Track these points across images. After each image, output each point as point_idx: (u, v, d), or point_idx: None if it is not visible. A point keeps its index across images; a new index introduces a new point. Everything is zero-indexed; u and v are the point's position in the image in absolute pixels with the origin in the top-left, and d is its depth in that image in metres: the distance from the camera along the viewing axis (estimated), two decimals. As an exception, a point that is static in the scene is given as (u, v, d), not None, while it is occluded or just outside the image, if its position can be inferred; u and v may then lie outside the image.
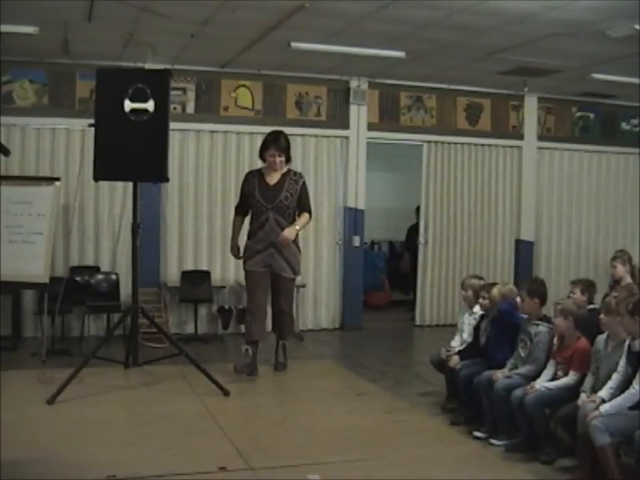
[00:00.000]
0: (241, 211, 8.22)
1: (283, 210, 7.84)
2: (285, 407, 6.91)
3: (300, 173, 8.22)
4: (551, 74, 10.51)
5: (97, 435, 5.91)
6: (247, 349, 7.84)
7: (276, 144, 7.88)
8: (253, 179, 8.00)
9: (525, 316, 6.21)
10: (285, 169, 8.01)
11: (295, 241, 7.96)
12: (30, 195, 9.02)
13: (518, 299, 6.41)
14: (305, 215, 8.02)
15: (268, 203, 7.84)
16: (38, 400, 6.76)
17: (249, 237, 8.02)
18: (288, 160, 8.03)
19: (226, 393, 7.13)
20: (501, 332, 6.33)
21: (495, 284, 6.77)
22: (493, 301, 6.42)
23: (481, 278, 7.33)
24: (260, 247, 7.87)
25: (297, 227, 7.88)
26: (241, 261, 8.79)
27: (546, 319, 6.06)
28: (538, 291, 6.18)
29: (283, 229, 7.76)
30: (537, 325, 6.01)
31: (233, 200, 10.83)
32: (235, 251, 8.25)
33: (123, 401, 6.96)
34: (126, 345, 8.09)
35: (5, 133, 9.92)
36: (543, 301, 6.16)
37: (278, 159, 7.88)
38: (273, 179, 7.94)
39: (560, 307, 5.78)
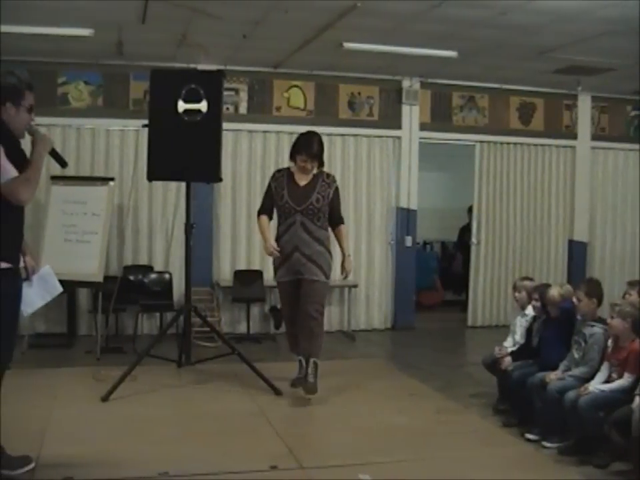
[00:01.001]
0: (265, 211, 7.34)
1: (313, 213, 7.09)
2: (336, 407, 6.90)
3: (333, 176, 7.43)
4: (604, 72, 10.39)
5: (150, 432, 5.98)
6: (300, 360, 7.36)
7: (308, 150, 7.11)
8: (282, 178, 7.25)
9: (579, 317, 6.16)
10: (316, 171, 7.25)
11: (327, 245, 7.22)
12: (85, 195, 9.15)
13: (574, 300, 6.34)
14: (344, 230, 7.45)
15: (297, 204, 7.08)
16: (92, 397, 6.85)
17: (276, 241, 7.18)
18: (321, 165, 7.30)
19: (277, 392, 7.16)
20: (558, 332, 6.27)
21: (548, 285, 6.72)
22: (553, 302, 6.35)
23: (531, 279, 7.29)
24: (285, 252, 7.09)
25: (348, 254, 7.40)
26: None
27: (601, 320, 5.99)
28: (596, 291, 6.09)
29: (309, 233, 7.06)
30: (592, 326, 5.94)
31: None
32: (269, 248, 7.08)
33: (175, 399, 7.02)
34: (179, 343, 8.15)
35: (60, 133, 10.08)
36: (600, 302, 6.07)
37: (310, 165, 7.15)
38: (303, 179, 7.20)
39: (619, 308, 5.71)
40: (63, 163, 5.08)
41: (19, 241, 4.70)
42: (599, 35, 8.36)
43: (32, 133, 4.71)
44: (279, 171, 7.49)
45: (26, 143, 4.67)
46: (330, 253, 7.27)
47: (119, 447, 5.57)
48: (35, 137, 4.70)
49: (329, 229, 7.32)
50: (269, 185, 7.35)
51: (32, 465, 4.95)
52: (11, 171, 4.37)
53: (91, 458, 5.29)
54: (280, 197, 7.17)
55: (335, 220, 7.33)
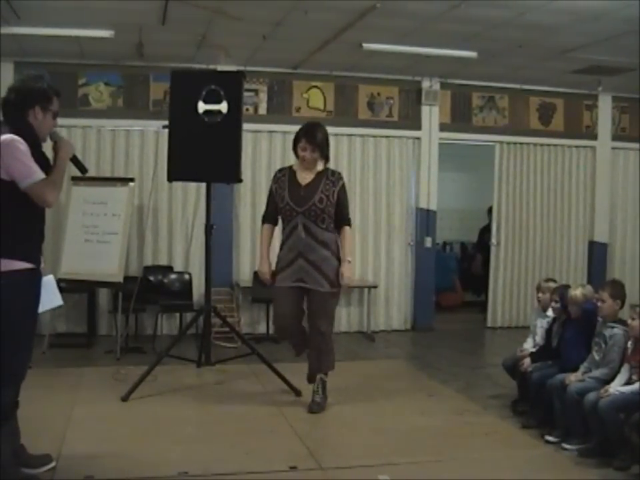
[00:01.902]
0: (269, 218, 6.92)
1: (315, 214, 6.54)
2: (356, 407, 6.90)
3: (339, 173, 6.83)
4: (625, 72, 10.33)
5: (169, 432, 6.00)
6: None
7: (308, 136, 6.56)
8: (284, 178, 6.74)
9: (600, 319, 6.13)
10: (320, 167, 6.70)
11: (334, 249, 6.64)
12: (105, 196, 9.18)
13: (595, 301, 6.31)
14: (348, 232, 6.74)
15: (298, 205, 6.55)
16: (112, 397, 6.89)
17: (281, 247, 6.79)
18: (325, 159, 6.71)
19: (297, 393, 7.16)
20: (579, 333, 6.23)
21: (567, 286, 6.70)
22: (575, 302, 6.31)
23: (555, 281, 7.27)
24: (290, 257, 6.63)
25: (349, 259, 6.66)
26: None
27: (621, 322, 5.96)
28: (621, 293, 6.05)
29: (313, 236, 6.54)
30: (612, 327, 5.91)
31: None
32: (264, 269, 6.82)
33: (195, 399, 7.04)
34: (198, 343, 8.17)
35: (81, 134, 10.13)
36: (623, 303, 6.05)
37: (310, 155, 6.56)
38: (305, 178, 6.65)
39: (639, 309, 5.68)
40: (83, 169, 5.14)
41: (41, 242, 4.75)
42: (620, 35, 8.32)
43: (54, 139, 4.79)
44: (280, 170, 6.97)
45: (45, 147, 4.73)
46: (338, 257, 6.69)
47: (138, 446, 5.60)
48: (57, 142, 4.78)
49: (335, 230, 6.72)
50: (271, 188, 6.89)
51: (52, 464, 4.98)
52: (38, 173, 4.42)
53: (111, 457, 5.32)
54: (281, 199, 6.70)
55: (340, 220, 6.73)
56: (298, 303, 6.73)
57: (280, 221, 6.89)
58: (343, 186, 6.72)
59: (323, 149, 6.62)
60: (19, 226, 4.48)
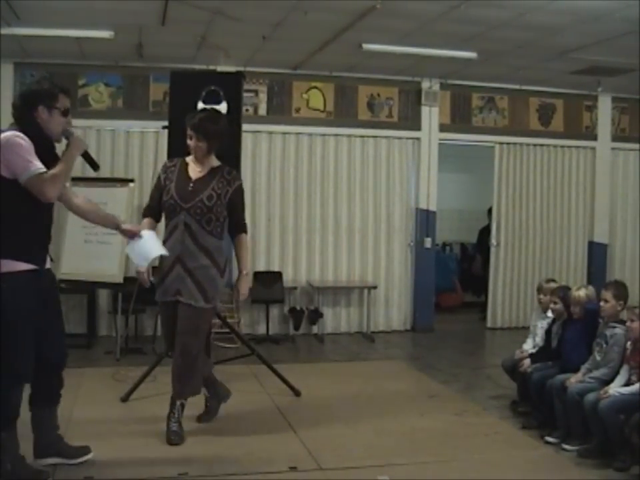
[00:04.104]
0: (151, 212, 6.07)
1: (201, 213, 5.76)
2: (356, 408, 6.90)
3: (236, 173, 6.11)
4: (625, 73, 10.32)
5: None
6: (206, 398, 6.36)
7: (191, 123, 5.82)
8: (173, 169, 5.97)
9: (600, 320, 6.12)
10: (216, 163, 5.97)
11: (216, 258, 5.93)
12: (105, 196, 9.15)
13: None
14: (244, 240, 6.14)
15: (184, 201, 5.77)
16: (112, 397, 6.91)
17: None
18: (210, 149, 5.89)
19: (297, 393, 7.17)
20: (581, 333, 6.22)
21: (568, 287, 6.70)
22: (579, 302, 6.30)
23: (556, 282, 7.26)
24: (168, 262, 5.86)
25: (245, 272, 6.16)
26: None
27: (622, 322, 5.96)
28: (623, 294, 6.05)
29: (195, 239, 5.79)
30: (613, 327, 5.90)
31: (305, 200, 10.89)
32: (139, 274, 6.01)
33: (194, 399, 7.01)
34: (198, 344, 8.15)
35: (81, 135, 10.07)
36: (626, 304, 6.05)
37: (195, 144, 5.80)
38: (197, 172, 5.92)
39: (638, 311, 5.68)
40: (95, 166, 5.16)
41: (46, 242, 4.73)
42: (620, 35, 8.31)
43: (66, 135, 4.78)
44: (170, 160, 6.20)
45: (62, 147, 4.76)
46: (219, 268, 5.97)
47: (138, 447, 5.60)
48: (69, 139, 4.78)
49: (223, 237, 6.06)
50: (158, 177, 6.07)
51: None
52: (37, 166, 4.43)
53: (110, 458, 5.31)
54: (167, 191, 5.89)
55: (235, 227, 6.07)
56: None
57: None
58: (240, 187, 6.03)
59: (209, 140, 5.83)
60: (22, 226, 4.48)
